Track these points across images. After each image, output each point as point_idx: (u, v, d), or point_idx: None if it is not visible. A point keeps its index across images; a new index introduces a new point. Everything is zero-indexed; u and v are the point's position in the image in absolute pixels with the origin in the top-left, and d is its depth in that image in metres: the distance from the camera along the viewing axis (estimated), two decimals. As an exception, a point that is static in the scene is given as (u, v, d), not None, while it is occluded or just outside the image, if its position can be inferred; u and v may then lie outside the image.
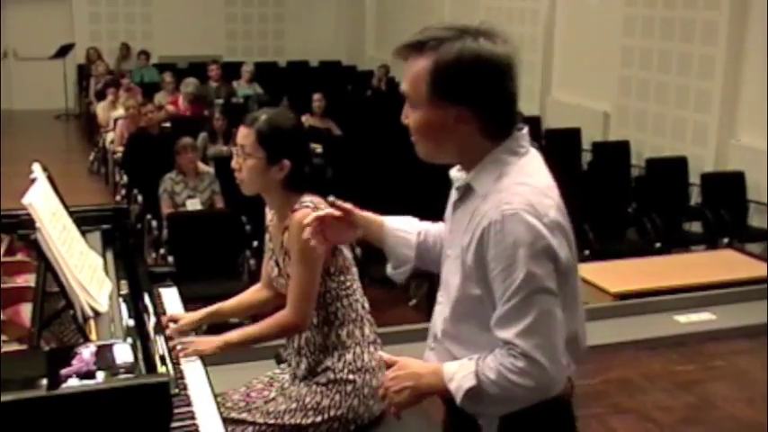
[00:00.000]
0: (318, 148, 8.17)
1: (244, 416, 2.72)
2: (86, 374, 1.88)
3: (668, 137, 8.43)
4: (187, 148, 6.70)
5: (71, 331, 2.25)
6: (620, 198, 7.55)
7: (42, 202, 2.34)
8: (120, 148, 8.78)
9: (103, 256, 2.78)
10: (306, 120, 8.92)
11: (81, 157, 11.36)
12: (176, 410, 2.04)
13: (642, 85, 8.75)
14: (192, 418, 2.30)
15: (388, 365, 2.03)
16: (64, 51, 14.22)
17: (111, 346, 2.06)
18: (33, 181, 2.47)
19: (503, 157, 1.91)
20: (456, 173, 2.01)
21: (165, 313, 2.91)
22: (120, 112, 9.92)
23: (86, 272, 2.40)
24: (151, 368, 2.04)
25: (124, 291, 2.54)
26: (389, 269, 2.24)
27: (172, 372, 2.25)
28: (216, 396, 2.50)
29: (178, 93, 10.59)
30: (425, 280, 5.34)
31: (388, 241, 2.20)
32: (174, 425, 2.00)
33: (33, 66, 14.46)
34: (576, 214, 7.26)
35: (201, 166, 6.96)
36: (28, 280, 2.51)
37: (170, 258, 5.89)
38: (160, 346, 2.34)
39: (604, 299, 5.47)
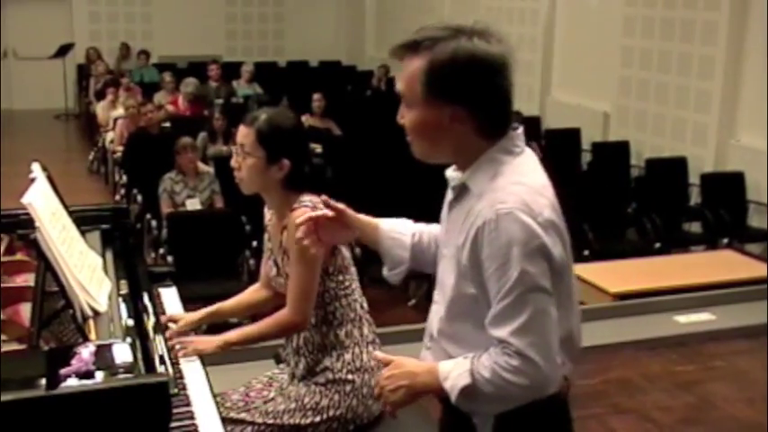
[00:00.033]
0: (318, 148, 8.16)
1: (243, 416, 2.72)
2: (85, 374, 1.88)
3: (668, 137, 8.43)
4: (187, 148, 6.70)
5: (70, 331, 2.24)
6: (620, 198, 7.55)
7: (42, 202, 2.34)
8: (120, 148, 8.78)
9: (103, 255, 2.78)
10: (306, 120, 8.92)
11: (81, 156, 11.36)
12: (175, 410, 2.04)
13: (642, 85, 8.75)
14: (192, 417, 2.29)
15: (384, 364, 2.04)
16: (64, 51, 14.22)
17: (110, 345, 2.06)
18: (33, 181, 2.47)
19: (498, 157, 1.92)
20: (452, 173, 2.02)
21: (164, 313, 2.91)
22: (119, 111, 9.92)
23: (86, 271, 2.40)
24: (150, 368, 2.04)
25: (123, 290, 2.54)
26: (385, 271, 2.24)
27: (171, 372, 2.25)
28: (215, 396, 2.50)
29: (178, 92, 10.60)
30: (425, 280, 5.34)
31: (382, 243, 2.21)
32: (174, 425, 2.00)
33: (33, 65, 14.46)
34: (576, 214, 7.29)
35: (201, 166, 6.96)
36: (27, 279, 2.51)
37: (169, 258, 5.89)
38: (159, 345, 2.34)
39: (604, 299, 5.47)
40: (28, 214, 2.27)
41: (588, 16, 9.73)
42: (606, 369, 4.67)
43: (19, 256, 2.72)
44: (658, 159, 8.05)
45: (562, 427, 2.06)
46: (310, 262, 2.59)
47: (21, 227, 2.69)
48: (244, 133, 2.68)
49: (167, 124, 9.39)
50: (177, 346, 2.70)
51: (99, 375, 1.90)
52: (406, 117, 1.95)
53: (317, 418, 2.68)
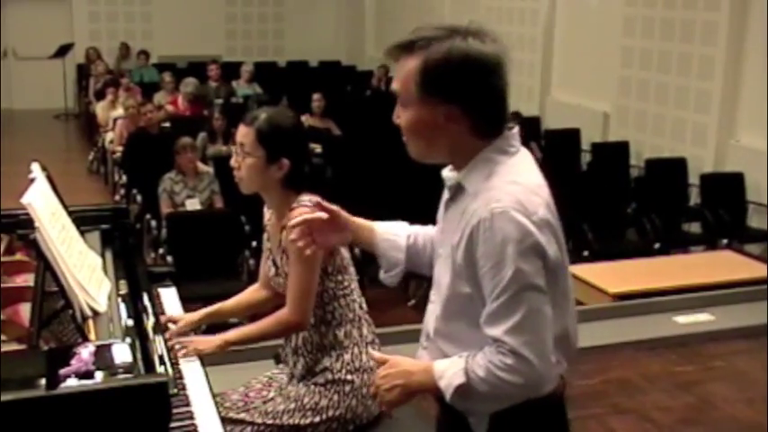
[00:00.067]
0: (318, 148, 8.16)
1: (242, 416, 2.72)
2: (85, 374, 1.88)
3: (668, 137, 8.44)
4: (186, 148, 6.70)
5: (70, 331, 2.24)
6: (620, 198, 7.55)
7: (41, 202, 2.34)
8: (120, 148, 8.78)
9: (102, 255, 2.78)
10: (305, 120, 8.92)
11: (80, 156, 11.36)
12: (175, 410, 2.04)
13: (642, 85, 8.75)
14: (191, 418, 2.29)
15: (380, 363, 2.04)
16: (63, 51, 14.22)
17: (109, 345, 2.06)
18: (32, 181, 2.47)
19: (493, 156, 1.92)
20: (448, 173, 2.02)
21: (163, 313, 2.91)
22: (119, 111, 9.92)
23: (85, 271, 2.40)
24: (150, 368, 2.04)
25: (123, 291, 2.54)
26: (381, 273, 2.25)
27: (170, 372, 2.25)
28: (214, 396, 2.50)
29: (177, 92, 10.59)
30: (425, 280, 5.33)
31: (378, 245, 2.22)
32: (173, 425, 2.00)
33: (33, 65, 14.46)
34: (576, 215, 7.29)
35: (201, 166, 6.96)
36: (27, 279, 2.51)
37: (169, 258, 5.89)
38: (159, 346, 2.33)
39: (604, 299, 5.47)
40: (27, 214, 2.27)
41: (588, 16, 9.73)
42: (606, 369, 4.67)
43: (18, 257, 2.72)
44: (658, 160, 8.05)
45: (558, 427, 2.07)
46: (309, 261, 2.59)
47: (20, 227, 2.69)
48: (243, 132, 2.67)
49: (167, 124, 9.38)
50: (177, 347, 2.71)
51: (98, 375, 1.90)
52: (401, 117, 1.95)
53: (317, 419, 2.68)
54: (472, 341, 1.91)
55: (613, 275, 5.74)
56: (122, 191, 8.10)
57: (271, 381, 2.87)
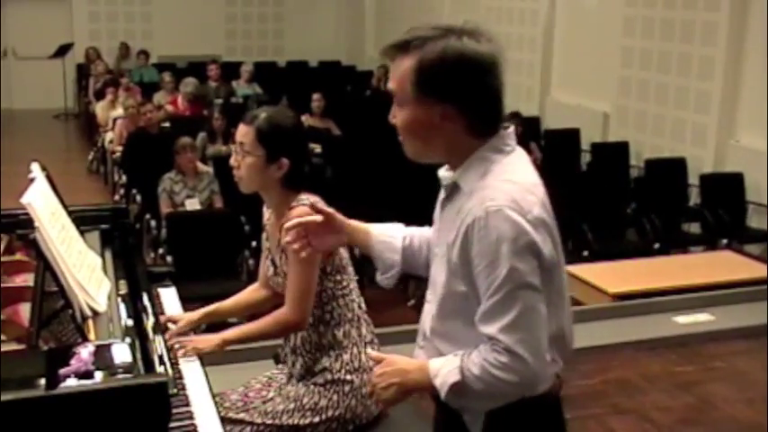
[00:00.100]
0: (317, 148, 8.16)
1: (242, 416, 2.72)
2: (85, 374, 1.88)
3: (667, 137, 8.43)
4: (186, 148, 6.70)
5: (70, 331, 2.24)
6: (620, 199, 7.55)
7: (41, 202, 2.34)
8: (120, 148, 8.78)
9: (102, 255, 2.78)
10: (305, 120, 8.92)
11: (80, 156, 11.36)
12: (175, 410, 2.04)
13: (642, 85, 8.75)
14: (191, 418, 2.29)
15: (377, 362, 2.05)
16: (63, 51, 14.22)
17: (109, 345, 2.06)
18: (32, 180, 2.47)
19: (488, 155, 1.93)
20: (444, 172, 2.03)
21: (163, 313, 2.90)
22: (119, 111, 9.92)
23: (85, 271, 2.40)
24: (149, 368, 2.04)
25: (123, 290, 2.53)
26: (378, 275, 2.25)
27: (170, 372, 2.25)
28: (214, 396, 2.50)
29: (177, 92, 10.59)
30: (424, 280, 5.33)
31: (374, 247, 2.22)
32: (173, 425, 2.00)
33: (33, 65, 14.46)
34: (576, 215, 7.27)
35: (200, 166, 6.96)
36: (27, 279, 2.51)
37: (169, 258, 5.89)
38: (158, 345, 2.33)
39: (603, 299, 5.47)
40: (27, 214, 2.27)
41: (588, 16, 9.73)
42: (605, 369, 4.67)
43: (18, 256, 2.72)
44: (658, 160, 8.05)
45: (554, 426, 2.07)
46: (308, 261, 2.59)
47: (20, 227, 2.69)
48: (243, 132, 2.68)
49: (167, 124, 9.38)
50: (176, 346, 2.70)
51: (98, 375, 1.90)
52: (397, 116, 1.96)
53: (316, 419, 2.68)
54: (468, 340, 1.91)
55: (613, 275, 5.74)
56: (122, 191, 8.10)
57: (270, 381, 2.87)
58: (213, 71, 11.66)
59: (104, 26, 15.00)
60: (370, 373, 2.64)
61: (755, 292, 5.59)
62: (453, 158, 1.97)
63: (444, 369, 1.92)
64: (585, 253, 6.72)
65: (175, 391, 2.27)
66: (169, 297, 3.12)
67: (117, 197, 8.39)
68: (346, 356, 2.71)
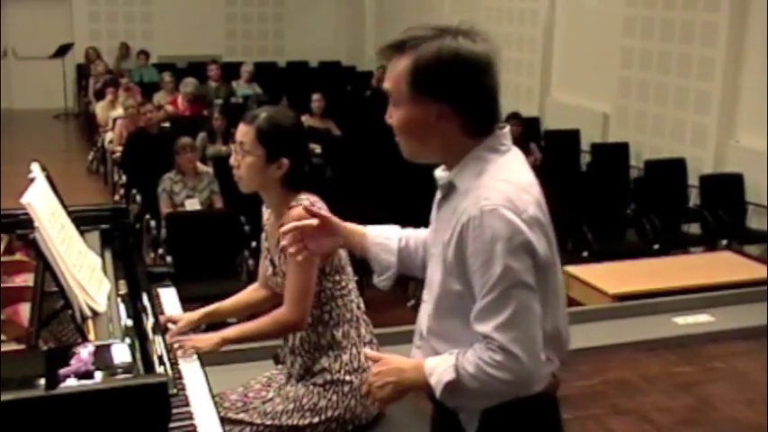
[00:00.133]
0: (317, 149, 8.16)
1: (241, 416, 2.72)
2: (84, 374, 1.88)
3: (667, 138, 8.43)
4: (186, 148, 6.69)
5: (69, 331, 2.24)
6: (619, 199, 7.55)
7: (41, 202, 2.34)
8: (119, 148, 8.77)
9: (102, 255, 2.78)
10: (305, 120, 8.92)
11: (80, 156, 11.36)
12: (174, 411, 2.04)
13: (642, 86, 8.75)
14: (191, 418, 2.29)
15: (373, 361, 2.06)
16: (63, 51, 14.21)
17: (109, 346, 2.06)
18: (32, 180, 2.47)
19: (484, 155, 1.94)
20: (440, 172, 2.04)
21: (163, 313, 2.90)
22: (119, 111, 9.92)
23: (85, 271, 2.40)
24: (149, 368, 2.04)
25: (123, 291, 2.53)
26: (374, 277, 2.26)
27: (170, 372, 2.25)
28: (214, 396, 2.50)
29: (177, 92, 10.59)
30: (424, 281, 5.32)
31: (370, 249, 2.23)
32: (173, 425, 1.99)
33: (33, 65, 14.46)
34: (575, 215, 7.25)
35: (200, 166, 6.96)
36: (27, 279, 2.51)
37: (168, 258, 5.89)
38: (158, 346, 2.33)
39: (603, 300, 5.47)
40: (27, 214, 2.27)
41: (588, 17, 9.73)
42: (605, 370, 4.67)
43: (18, 256, 2.72)
44: (657, 160, 8.05)
45: (550, 425, 2.08)
46: (307, 261, 2.59)
47: (20, 227, 2.68)
48: (243, 131, 2.68)
49: (167, 124, 9.38)
50: (176, 345, 2.70)
51: (98, 375, 1.90)
52: (393, 116, 1.97)
53: (316, 419, 2.68)
54: (464, 339, 1.92)
55: (613, 276, 5.75)
56: (122, 191, 8.10)
57: (270, 381, 2.87)
58: (213, 71, 11.66)
59: (104, 26, 15.00)
60: (366, 373, 2.66)
61: (755, 292, 5.59)
62: (449, 158, 1.97)
63: (439, 368, 1.92)
64: (585, 253, 6.72)
65: (175, 391, 2.26)
66: (169, 297, 3.12)
67: (117, 197, 8.39)
68: (345, 357, 2.71)
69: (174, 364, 2.57)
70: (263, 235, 2.86)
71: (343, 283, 2.74)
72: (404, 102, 1.93)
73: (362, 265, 2.52)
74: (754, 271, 5.97)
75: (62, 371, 1.88)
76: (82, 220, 2.80)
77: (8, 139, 11.42)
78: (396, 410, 2.73)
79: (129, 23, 15.09)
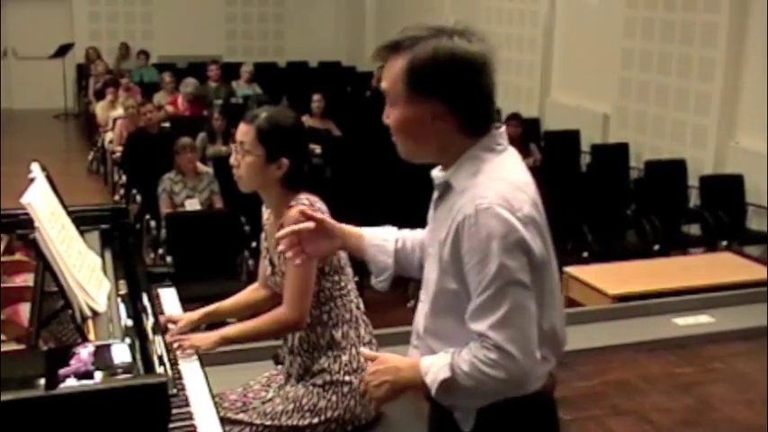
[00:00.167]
0: (317, 149, 8.16)
1: (241, 416, 2.72)
2: (84, 374, 1.88)
3: (667, 139, 8.44)
4: (186, 148, 6.70)
5: (69, 331, 2.24)
6: (619, 200, 7.55)
7: (41, 202, 2.34)
8: (119, 148, 8.78)
9: (102, 255, 2.77)
10: (305, 120, 8.91)
11: (80, 156, 11.36)
12: (174, 411, 2.04)
13: (642, 86, 8.75)
14: (190, 418, 2.29)
15: (370, 361, 2.07)
16: (63, 51, 14.21)
17: (109, 346, 2.06)
18: (32, 180, 2.47)
19: (480, 154, 1.94)
20: (437, 172, 2.04)
21: (162, 314, 2.90)
22: (119, 111, 9.92)
23: (85, 271, 2.39)
24: (149, 368, 2.04)
25: (122, 291, 2.53)
26: (372, 279, 2.26)
27: (170, 372, 2.25)
28: (213, 397, 2.50)
29: (177, 93, 10.59)
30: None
31: (367, 250, 2.23)
32: (172, 425, 1.99)
33: (33, 65, 14.46)
34: (575, 216, 7.23)
35: (200, 167, 6.96)
36: (26, 279, 2.51)
37: (168, 258, 5.89)
38: (158, 346, 2.33)
39: (603, 301, 5.47)
40: (27, 214, 2.27)
41: (588, 18, 9.74)
42: (605, 371, 4.67)
43: (18, 256, 2.72)
44: (658, 161, 8.05)
45: (547, 425, 2.08)
46: (306, 260, 2.59)
47: (20, 227, 2.68)
48: (244, 131, 2.68)
49: (167, 124, 9.38)
50: (174, 345, 2.70)
51: (98, 376, 1.90)
52: (390, 116, 1.98)
53: (315, 420, 2.68)
54: (460, 338, 1.92)
55: (613, 277, 5.74)
56: (122, 191, 8.10)
57: (269, 381, 2.87)
58: (213, 71, 11.66)
59: (105, 26, 15.00)
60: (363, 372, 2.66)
61: (755, 293, 5.59)
62: (445, 158, 1.98)
63: (435, 366, 1.93)
64: (585, 254, 6.72)
65: (175, 391, 2.27)
66: (169, 297, 3.12)
67: (117, 197, 8.39)
68: (345, 357, 2.71)
69: (174, 365, 2.57)
70: (263, 235, 2.87)
71: (343, 284, 2.74)
72: (400, 101, 1.94)
73: (362, 266, 2.52)
74: (755, 272, 5.97)
75: (62, 371, 1.87)
76: (82, 220, 2.80)
77: (8, 139, 11.42)
78: (396, 411, 2.73)
79: (130, 23, 15.09)
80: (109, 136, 9.75)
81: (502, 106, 10.09)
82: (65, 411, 1.82)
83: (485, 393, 1.91)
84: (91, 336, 2.21)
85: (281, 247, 2.20)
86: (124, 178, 8.13)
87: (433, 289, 1.99)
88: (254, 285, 2.98)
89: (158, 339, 2.37)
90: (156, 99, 10.54)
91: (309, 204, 2.63)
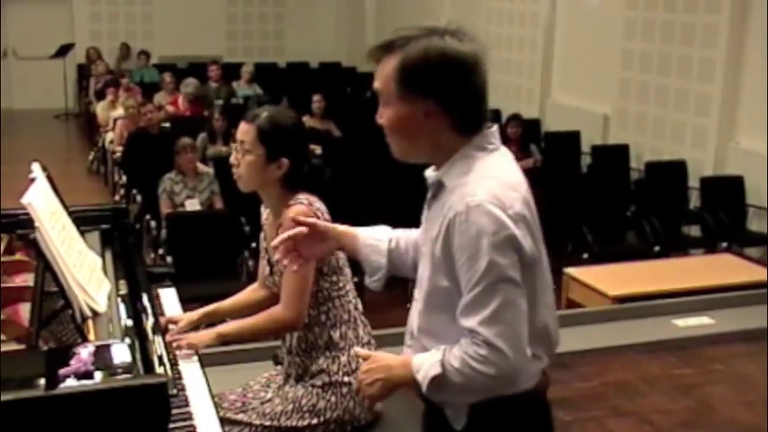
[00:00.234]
0: (318, 150, 8.16)
1: (240, 417, 2.71)
2: (84, 374, 1.88)
3: (668, 140, 8.43)
4: (186, 149, 6.70)
5: (69, 331, 2.24)
6: (620, 201, 7.54)
7: (41, 202, 2.34)
8: (120, 148, 8.78)
9: (102, 256, 2.78)
10: (306, 121, 8.91)
11: (80, 156, 11.36)
12: (174, 411, 2.04)
13: (642, 88, 8.75)
14: (190, 418, 2.29)
15: (363, 360, 2.08)
16: (64, 51, 14.22)
17: (109, 346, 2.06)
18: (33, 180, 2.47)
19: (472, 153, 1.96)
20: (430, 172, 2.05)
21: (163, 314, 2.90)
22: (119, 111, 9.92)
23: (85, 272, 2.39)
24: (149, 368, 2.04)
25: (123, 291, 2.53)
26: (366, 278, 2.27)
27: (170, 372, 2.25)
28: (213, 397, 2.50)
29: (178, 93, 10.59)
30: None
31: (360, 250, 2.24)
32: (172, 425, 1.99)
33: (33, 65, 14.46)
34: (576, 217, 7.24)
35: (201, 167, 6.96)
36: (27, 279, 2.51)
37: (169, 258, 5.89)
38: (158, 346, 2.33)
39: (603, 302, 5.46)
40: (27, 214, 2.27)
41: (588, 19, 9.73)
42: (605, 372, 4.67)
43: (18, 256, 2.72)
44: (658, 162, 8.05)
45: (540, 423, 2.08)
46: (303, 263, 2.58)
47: (20, 227, 2.69)
48: (244, 130, 2.68)
49: (167, 125, 9.38)
50: (173, 344, 2.70)
51: (98, 376, 1.90)
52: (383, 116, 1.99)
53: (314, 421, 2.68)
54: (453, 336, 1.93)
55: (613, 278, 5.74)
56: (122, 191, 8.10)
57: (268, 382, 2.87)
58: (214, 72, 11.66)
59: (105, 26, 15.01)
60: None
61: (755, 295, 5.59)
62: (438, 157, 1.99)
63: (426, 363, 1.94)
64: (585, 255, 6.72)
65: (175, 391, 2.27)
66: (169, 298, 3.12)
67: (117, 197, 8.39)
68: (344, 358, 2.71)
69: (174, 365, 2.57)
70: (262, 235, 2.87)
71: (341, 284, 2.74)
72: (393, 101, 1.95)
73: (361, 267, 2.52)
74: (755, 273, 5.97)
75: (62, 371, 1.87)
76: (82, 221, 2.80)
77: (8, 139, 11.43)
78: (395, 411, 2.73)
79: (130, 24, 15.09)
80: (109, 136, 9.75)
81: (502, 107, 10.12)
82: (65, 411, 1.82)
83: (475, 390, 1.92)
84: (91, 336, 2.21)
85: (277, 256, 2.22)
86: (124, 178, 8.13)
87: (426, 287, 2.00)
88: (254, 285, 2.98)
89: (158, 339, 2.37)
90: (156, 99, 10.54)
91: (308, 204, 2.64)
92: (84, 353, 1.94)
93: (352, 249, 2.26)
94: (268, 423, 2.69)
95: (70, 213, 2.62)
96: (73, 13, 14.88)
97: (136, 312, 2.42)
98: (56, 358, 1.93)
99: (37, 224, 2.22)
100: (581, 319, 5.15)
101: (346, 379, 2.69)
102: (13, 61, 14.72)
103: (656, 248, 6.92)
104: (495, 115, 9.61)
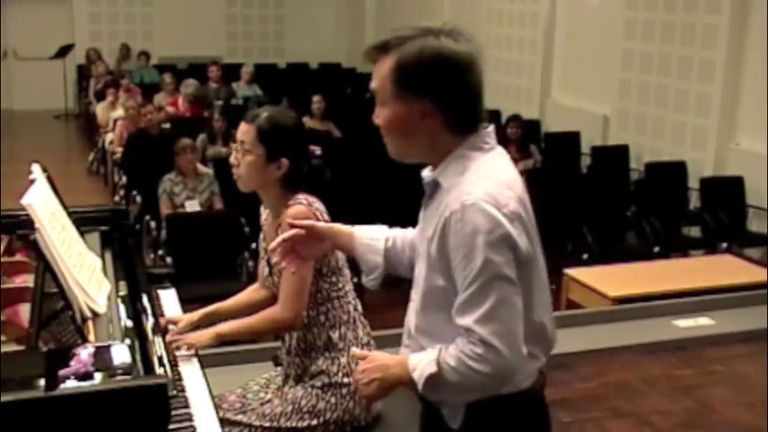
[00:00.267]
0: (318, 150, 8.16)
1: (239, 417, 2.71)
2: (84, 375, 1.88)
3: (668, 140, 8.43)
4: (186, 149, 6.70)
5: (69, 332, 2.24)
6: (620, 202, 7.54)
7: (41, 203, 2.34)
8: (120, 149, 8.78)
9: (102, 256, 2.78)
10: (305, 121, 8.91)
11: (80, 157, 11.36)
12: (174, 412, 2.04)
13: (642, 88, 8.75)
14: (190, 419, 2.29)
15: (360, 359, 2.08)
16: (64, 51, 14.22)
17: (109, 347, 2.06)
18: (33, 181, 2.47)
19: (467, 153, 1.96)
20: (426, 172, 2.06)
21: (162, 315, 2.90)
22: (119, 112, 9.92)
23: (85, 272, 2.39)
24: (149, 370, 2.04)
25: (123, 292, 2.53)
26: (363, 277, 2.27)
27: (170, 373, 2.25)
28: (213, 398, 2.49)
29: (178, 94, 10.59)
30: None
31: (357, 249, 2.25)
32: (172, 426, 1.99)
33: (33, 66, 14.46)
34: (576, 218, 7.23)
35: (201, 168, 6.96)
36: (27, 280, 2.51)
37: (168, 259, 5.89)
38: (158, 347, 2.33)
39: (603, 303, 5.46)
40: (27, 215, 2.27)
41: (588, 19, 9.74)
42: (605, 372, 4.67)
43: (18, 257, 2.72)
44: (658, 163, 8.05)
45: (537, 422, 2.08)
46: (301, 264, 2.58)
47: (20, 227, 2.68)
48: (244, 130, 2.68)
49: (167, 125, 9.38)
50: (173, 345, 2.70)
51: (98, 377, 1.90)
52: (380, 116, 2.00)
53: (314, 422, 2.68)
54: (450, 335, 1.93)
55: (613, 279, 5.74)
56: (122, 192, 8.10)
57: (268, 383, 2.87)
58: (214, 72, 11.66)
59: (105, 27, 15.01)
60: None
61: (755, 296, 5.59)
62: (434, 157, 1.99)
63: (422, 362, 1.94)
64: (585, 256, 6.72)
65: (175, 392, 2.27)
66: (169, 298, 3.12)
67: (117, 198, 8.39)
68: (343, 359, 2.71)
69: (174, 366, 2.57)
70: (261, 235, 2.87)
71: (340, 285, 2.74)
72: (389, 101, 1.96)
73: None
74: (755, 274, 5.97)
75: (62, 372, 1.87)
76: (82, 221, 2.80)
77: (8, 139, 11.43)
78: (394, 412, 2.73)
79: (130, 24, 15.09)
80: (109, 137, 9.75)
81: (502, 107, 10.12)
82: (64, 412, 1.82)
83: (471, 388, 1.92)
84: (91, 337, 2.21)
85: (275, 259, 2.22)
86: (124, 179, 8.13)
87: (423, 287, 2.01)
88: (255, 286, 2.99)
89: (158, 340, 2.38)
90: (156, 100, 10.54)
91: (308, 204, 2.64)
92: (84, 354, 1.94)
93: (348, 248, 2.27)
94: (267, 424, 2.69)
95: (70, 214, 2.62)
96: (73, 13, 14.89)
97: (136, 313, 2.42)
98: (56, 359, 1.93)
99: (37, 225, 2.22)
100: (581, 319, 5.14)
101: (346, 380, 2.68)
102: (13, 62, 14.72)
103: (656, 249, 6.92)
104: (495, 116, 9.61)
